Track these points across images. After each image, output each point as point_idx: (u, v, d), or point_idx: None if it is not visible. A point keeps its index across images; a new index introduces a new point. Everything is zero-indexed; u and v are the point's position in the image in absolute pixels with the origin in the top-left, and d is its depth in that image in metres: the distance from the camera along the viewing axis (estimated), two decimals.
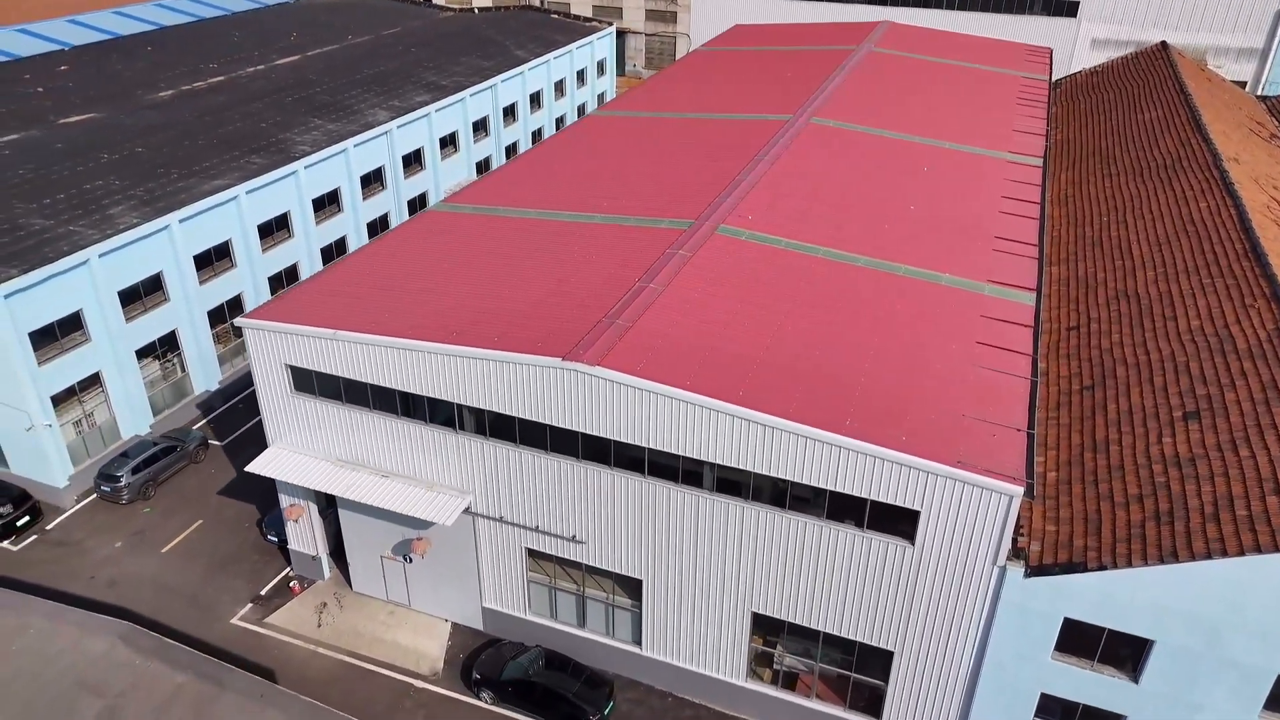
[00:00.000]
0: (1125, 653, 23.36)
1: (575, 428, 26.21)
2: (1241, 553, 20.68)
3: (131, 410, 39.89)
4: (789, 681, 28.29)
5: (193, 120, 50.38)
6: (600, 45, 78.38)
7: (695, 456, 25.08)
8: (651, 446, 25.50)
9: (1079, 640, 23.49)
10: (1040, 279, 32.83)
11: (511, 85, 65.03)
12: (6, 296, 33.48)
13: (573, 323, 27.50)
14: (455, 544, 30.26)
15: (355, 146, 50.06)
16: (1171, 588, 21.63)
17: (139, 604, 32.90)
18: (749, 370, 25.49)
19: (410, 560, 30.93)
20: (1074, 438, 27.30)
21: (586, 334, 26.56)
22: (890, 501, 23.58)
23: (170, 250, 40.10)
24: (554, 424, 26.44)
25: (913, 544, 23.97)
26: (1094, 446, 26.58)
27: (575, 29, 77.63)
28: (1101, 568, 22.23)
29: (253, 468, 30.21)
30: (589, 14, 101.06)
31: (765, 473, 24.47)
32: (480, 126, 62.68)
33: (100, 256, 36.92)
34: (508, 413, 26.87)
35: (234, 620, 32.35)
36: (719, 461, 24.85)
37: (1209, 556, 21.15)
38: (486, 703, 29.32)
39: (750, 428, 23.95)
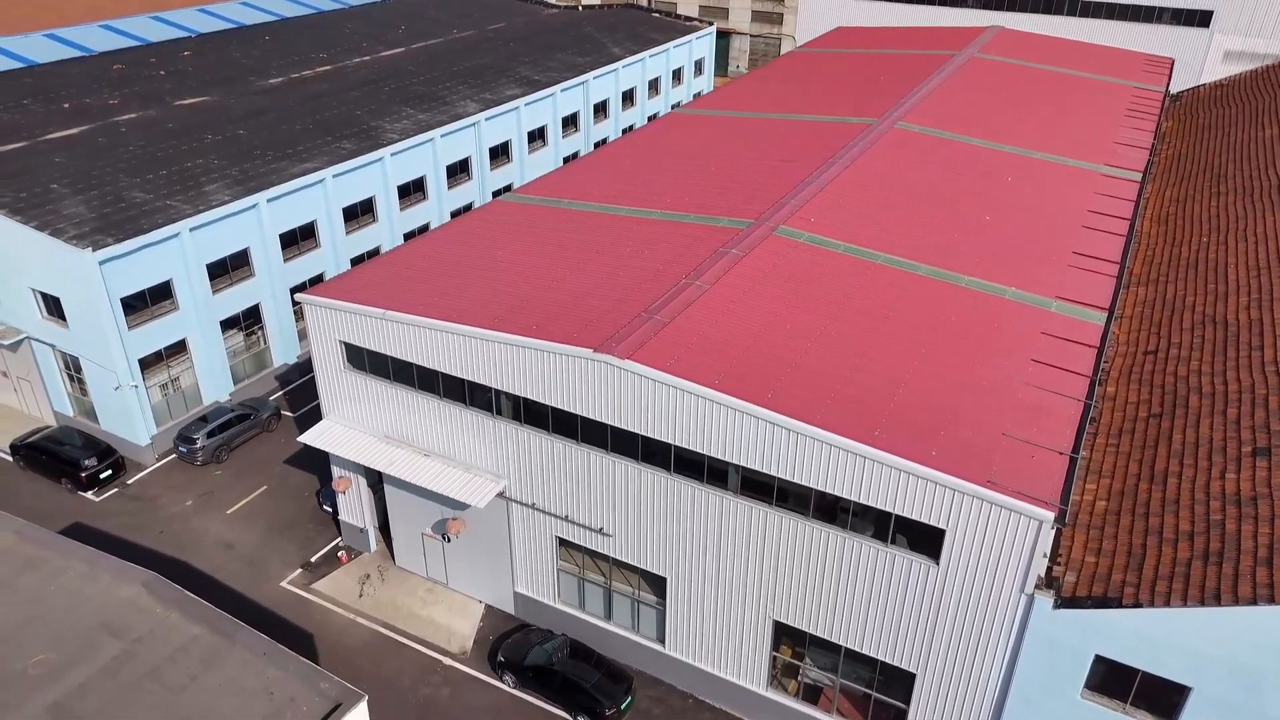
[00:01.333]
0: (1161, 698, 21.85)
1: (604, 420, 26.24)
2: None
3: (213, 378, 42.06)
4: (811, 695, 27.62)
5: (294, 105, 52.74)
6: (699, 45, 78.24)
7: (720, 457, 24.76)
8: (677, 444, 25.31)
9: (1112, 680, 22.11)
10: (1115, 299, 31.07)
11: (604, 82, 65.58)
12: (102, 263, 35.75)
13: (612, 315, 27.53)
14: (490, 527, 30.74)
15: (442, 137, 51.41)
16: (1212, 633, 20.12)
17: (199, 560, 34.68)
18: (783, 373, 24.99)
19: (448, 540, 31.58)
20: (1131, 467, 25.73)
21: (624, 327, 26.55)
22: (914, 518, 22.73)
23: (257, 227, 42.07)
24: (584, 415, 26.55)
25: (937, 564, 23.05)
26: (1151, 477, 24.99)
27: (674, 28, 77.73)
28: (1137, 605, 20.88)
29: (304, 438, 31.41)
30: (694, 14, 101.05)
31: (788, 478, 23.95)
32: (570, 122, 63.47)
33: (191, 230, 39.05)
34: (541, 401, 27.12)
35: (283, 583, 33.72)
36: (743, 464, 24.46)
37: (1254, 602, 19.60)
38: (509, 686, 29.69)
39: (774, 431, 23.49)
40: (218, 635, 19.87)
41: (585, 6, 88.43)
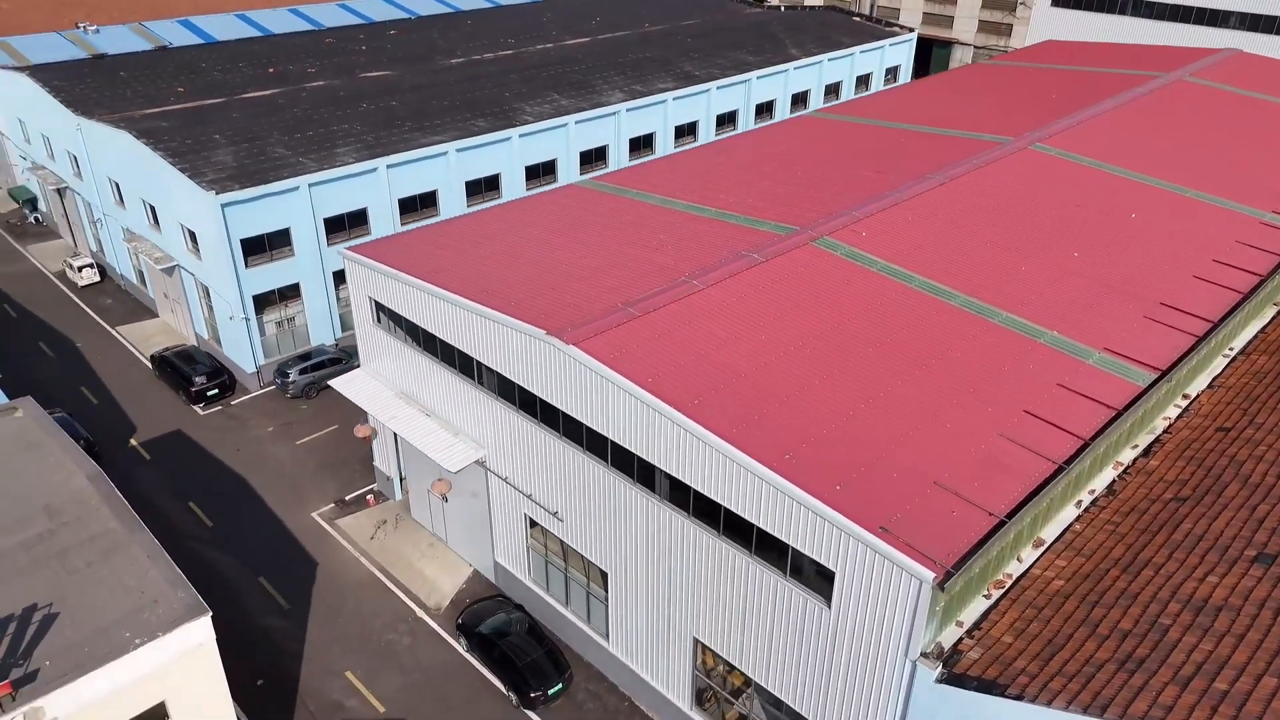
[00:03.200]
0: None
1: (555, 404, 26.33)
2: None
3: (322, 322, 46.19)
4: None
5: (453, 83, 56.39)
6: (893, 51, 74.70)
7: (644, 457, 24.12)
8: (612, 438, 24.93)
9: None
10: (1183, 360, 26.77)
11: (770, 82, 64.45)
12: (224, 205, 40.37)
13: (595, 302, 27.47)
14: (476, 495, 31.71)
15: (576, 123, 52.94)
16: None
17: (256, 480, 38.44)
18: (727, 384, 23.85)
19: (445, 500, 32.93)
20: (1116, 550, 22.29)
21: (596, 315, 26.45)
22: (807, 553, 21.03)
23: (376, 190, 45.57)
24: (542, 396, 26.77)
25: (829, 607, 21.19)
26: (1129, 564, 21.55)
27: (868, 32, 74.70)
28: (1019, 698, 18.18)
29: (334, 383, 33.92)
30: (916, 22, 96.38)
31: (700, 489, 22.92)
32: (728, 119, 63.01)
33: (310, 185, 43.05)
34: (508, 376, 27.65)
35: (314, 513, 36.65)
36: (663, 467, 23.69)
37: None
38: (462, 649, 30.57)
39: (687, 438, 22.56)
40: (125, 532, 22.21)
41: (788, 6, 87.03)
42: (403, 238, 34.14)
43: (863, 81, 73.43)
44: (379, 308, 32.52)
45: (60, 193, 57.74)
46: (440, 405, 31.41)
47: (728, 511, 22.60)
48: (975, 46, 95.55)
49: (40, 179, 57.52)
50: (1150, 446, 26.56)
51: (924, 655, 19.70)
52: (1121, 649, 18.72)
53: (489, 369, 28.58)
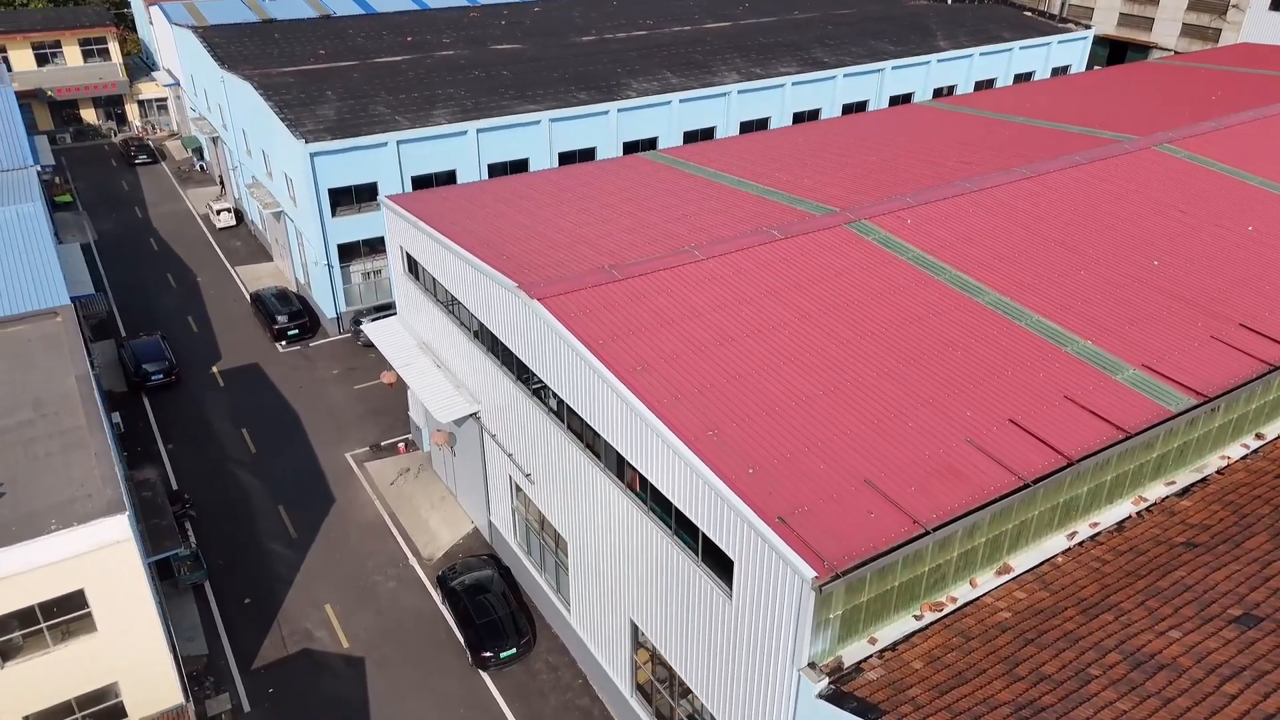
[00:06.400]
0: None
1: (524, 359, 25.73)
2: None
3: None
4: (665, 715, 24.74)
5: (572, 58, 56.69)
6: (1062, 49, 68.50)
7: (588, 422, 23.07)
8: (565, 399, 24.02)
9: None
10: (1240, 389, 22.70)
11: (907, 74, 60.72)
12: (313, 154, 42.40)
13: (585, 262, 26.64)
14: (475, 451, 31.58)
15: (680, 101, 51.90)
16: None
17: (307, 417, 40.18)
18: (682, 354, 22.38)
19: (454, 453, 33.03)
20: (1087, 590, 19.24)
21: (578, 274, 25.62)
22: (711, 536, 19.35)
23: (465, 153, 46.47)
24: (515, 351, 26.24)
25: (730, 598, 19.40)
26: (1090, 606, 18.50)
27: (1036, 28, 68.90)
28: None
29: (366, 326, 34.81)
30: (1113, 22, 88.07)
31: (629, 460, 21.64)
32: (856, 110, 59.89)
33: (399, 143, 44.46)
34: (491, 329, 27.29)
35: (346, 454, 37.84)
36: (603, 434, 22.56)
37: None
38: (438, 601, 30.56)
39: (619, 405, 21.34)
40: (86, 431, 23.54)
41: None
42: (443, 191, 34.52)
43: (1022, 80, 67.84)
44: (408, 257, 33.04)
45: (214, 141, 62.88)
46: (449, 358, 31.52)
47: (654, 487, 21.19)
48: (1176, 52, 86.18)
49: (199, 128, 62.86)
50: (1192, 486, 22.74)
51: (811, 666, 17.61)
52: (1028, 694, 15.96)
53: (481, 323, 28.33)
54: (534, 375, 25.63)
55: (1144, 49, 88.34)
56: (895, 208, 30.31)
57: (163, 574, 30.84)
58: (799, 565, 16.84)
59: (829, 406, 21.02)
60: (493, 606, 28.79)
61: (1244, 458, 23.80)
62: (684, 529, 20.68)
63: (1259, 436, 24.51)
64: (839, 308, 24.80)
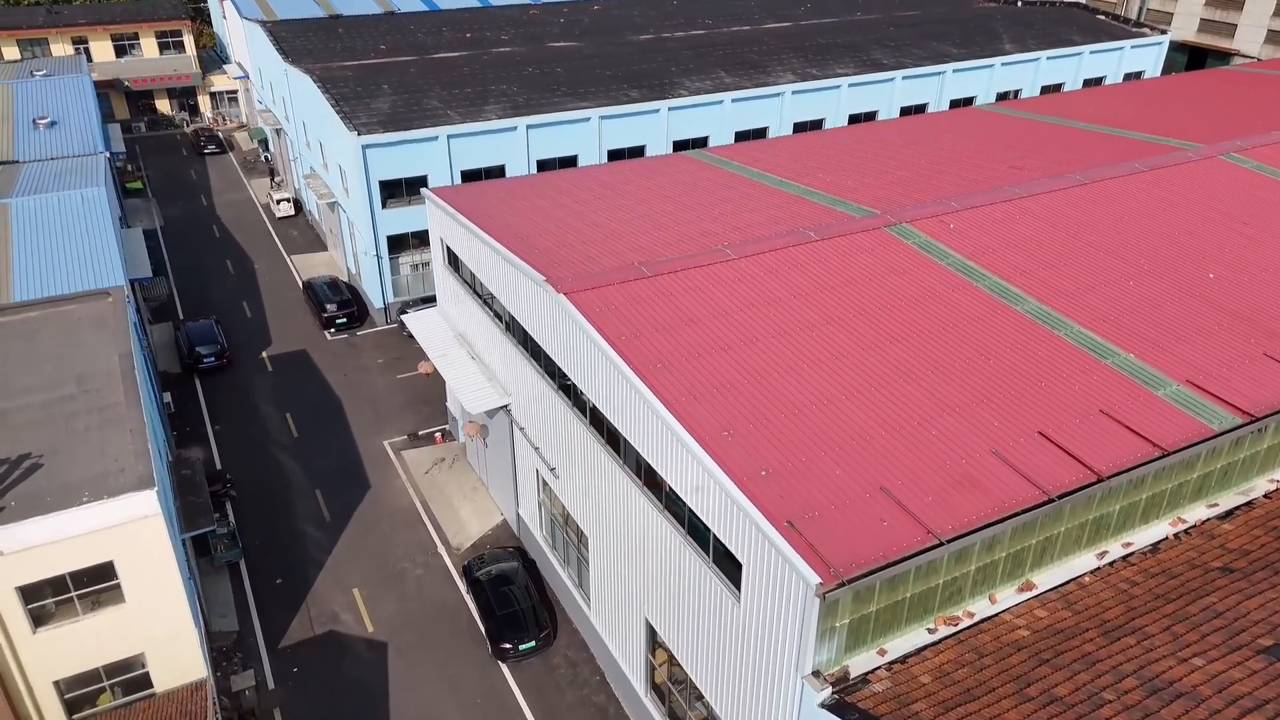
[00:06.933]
0: None
1: (550, 353, 25.74)
2: None
3: None
4: (678, 716, 24.51)
5: (627, 56, 56.70)
6: (1136, 55, 66.23)
7: (608, 418, 22.97)
8: (586, 394, 23.97)
9: None
10: None
11: (969, 77, 59.34)
12: (365, 146, 43.12)
13: (615, 258, 26.57)
14: (506, 444, 31.73)
15: (732, 101, 51.52)
16: None
17: (349, 404, 40.88)
18: (704, 354, 22.13)
19: (485, 445, 33.25)
20: (1112, 613, 18.51)
21: (607, 270, 25.56)
22: (720, 537, 19.09)
23: (515, 148, 46.79)
24: (542, 345, 26.28)
25: (739, 601, 19.11)
26: (1113, 629, 17.79)
27: (1108, 32, 66.75)
28: None
29: (406, 317, 35.24)
30: (1193, 29, 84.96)
31: (646, 458, 21.48)
32: (916, 112, 58.73)
33: (450, 137, 44.96)
34: (520, 322, 27.37)
35: (385, 441, 38.38)
36: (621, 431, 22.44)
37: None
38: (463, 590, 30.77)
39: (639, 401, 21.19)
40: (125, 408, 24.23)
41: (1026, 2, 79.59)
42: (484, 185, 34.81)
43: (1092, 85, 65.78)
44: (448, 250, 33.35)
45: (278, 133, 64.44)
46: (483, 350, 31.73)
47: (669, 485, 20.98)
48: (1259, 60, 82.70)
49: (265, 120, 64.50)
50: (1235, 509, 21.74)
51: (815, 674, 17.24)
52: (1036, 715, 15.38)
53: (512, 316, 28.44)
54: (560, 369, 25.62)
55: (1225, 56, 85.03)
56: (939, 211, 29.60)
57: (200, 551, 31.66)
58: (804, 570, 16.49)
59: (849, 411, 20.58)
60: (515, 599, 28.88)
61: None
62: (697, 529, 20.43)
63: None
64: (870, 311, 24.28)
